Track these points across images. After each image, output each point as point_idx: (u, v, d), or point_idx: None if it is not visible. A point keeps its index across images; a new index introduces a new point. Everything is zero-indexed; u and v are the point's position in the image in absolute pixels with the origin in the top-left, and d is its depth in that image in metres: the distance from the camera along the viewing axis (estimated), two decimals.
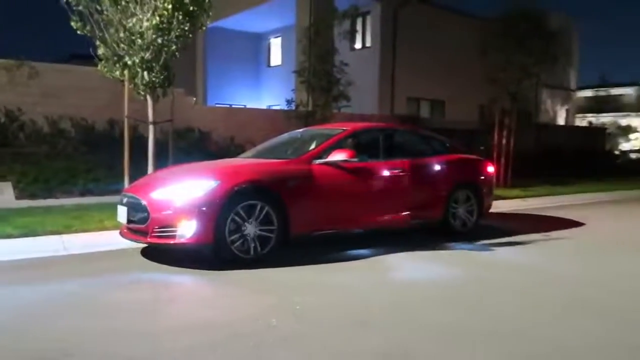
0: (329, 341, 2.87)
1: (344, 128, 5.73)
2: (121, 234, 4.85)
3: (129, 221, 4.67)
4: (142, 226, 4.47)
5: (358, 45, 18.01)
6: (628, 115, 33.98)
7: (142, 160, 6.99)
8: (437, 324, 3.17)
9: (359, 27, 17.76)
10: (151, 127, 6.83)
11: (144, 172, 6.66)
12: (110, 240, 5.21)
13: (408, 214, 5.51)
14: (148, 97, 6.74)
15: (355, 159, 5.09)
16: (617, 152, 24.95)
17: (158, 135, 7.03)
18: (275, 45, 21.56)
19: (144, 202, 4.49)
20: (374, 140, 5.73)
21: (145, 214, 4.43)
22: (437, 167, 5.96)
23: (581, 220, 7.58)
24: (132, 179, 6.61)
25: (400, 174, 5.51)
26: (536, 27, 11.83)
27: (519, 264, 4.90)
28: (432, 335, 2.99)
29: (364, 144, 5.71)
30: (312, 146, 5.49)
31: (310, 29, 11.28)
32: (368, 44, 17.80)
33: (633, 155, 24.40)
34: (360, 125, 6.18)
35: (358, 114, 14.01)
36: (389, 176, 5.45)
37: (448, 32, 18.11)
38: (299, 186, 4.82)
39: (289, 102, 11.69)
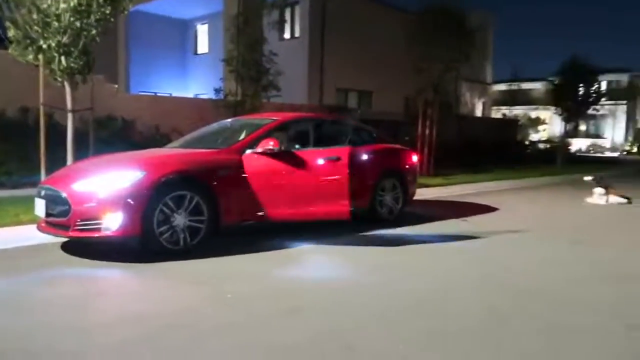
0: (263, 329, 2.92)
1: (274, 118, 5.75)
2: (39, 228, 4.59)
3: (48, 214, 4.44)
4: (63, 219, 4.26)
5: (287, 35, 17.99)
6: (537, 109, 36.58)
7: (59, 150, 6.62)
8: (365, 307, 3.32)
9: (287, 17, 17.75)
10: (70, 116, 6.47)
11: (62, 163, 6.30)
12: (28, 235, 4.91)
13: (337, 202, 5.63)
14: (66, 84, 6.38)
15: (286, 149, 5.14)
16: (527, 142, 26.83)
17: (77, 124, 6.67)
18: (202, 32, 21.01)
19: (64, 195, 4.28)
20: (304, 130, 5.80)
21: (67, 207, 4.23)
22: (365, 157, 6.14)
23: (496, 206, 8.13)
24: (49, 170, 6.25)
25: (330, 162, 5.61)
26: (455, 23, 12.43)
27: (439, 247, 5.21)
28: (362, 318, 3.13)
29: (294, 134, 5.77)
30: (242, 136, 5.47)
31: (239, 18, 11.11)
32: (297, 34, 17.83)
33: (541, 145, 26.34)
34: (290, 115, 6.23)
35: (288, 103, 14.04)
36: (319, 165, 5.54)
37: (376, 24, 18.54)
38: (229, 176, 4.79)
39: (217, 91, 11.48)
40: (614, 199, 8.78)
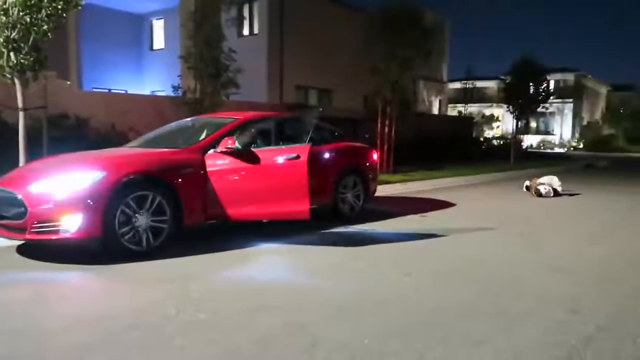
0: (229, 327, 2.95)
1: (236, 117, 5.74)
2: None
3: (1, 217, 4.29)
4: (19, 222, 4.13)
5: (246, 32, 17.86)
6: (491, 106, 37.82)
7: (9, 150, 6.37)
8: (329, 300, 3.41)
9: (246, 13, 17.62)
10: (21, 114, 6.22)
11: (12, 163, 6.06)
12: None
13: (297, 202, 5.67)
14: (16, 81, 6.14)
15: (247, 148, 5.14)
16: (482, 139, 27.68)
17: (28, 122, 6.43)
18: (158, 27, 20.55)
19: (19, 196, 4.15)
20: (265, 129, 5.83)
21: (22, 209, 4.10)
22: (327, 155, 6.22)
23: (453, 201, 8.40)
24: (1, 171, 6.01)
25: (290, 161, 5.64)
26: (412, 23, 12.69)
27: (399, 242, 5.36)
28: (326, 311, 3.21)
29: (256, 133, 5.78)
30: (203, 135, 5.43)
31: (196, 14, 10.95)
32: (256, 31, 17.73)
33: (495, 142, 27.25)
34: (251, 114, 6.22)
35: (247, 101, 13.95)
36: (279, 164, 5.56)
37: (335, 23, 18.66)
38: (191, 176, 4.76)
39: (175, 88, 11.28)
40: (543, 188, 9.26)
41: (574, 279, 4.09)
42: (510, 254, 4.98)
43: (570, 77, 39.31)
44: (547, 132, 39.57)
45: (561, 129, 39.51)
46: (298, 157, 5.11)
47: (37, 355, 2.54)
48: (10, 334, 2.78)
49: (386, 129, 12.99)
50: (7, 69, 6.00)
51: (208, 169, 4.89)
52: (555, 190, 9.32)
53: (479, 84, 38.75)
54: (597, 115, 45.68)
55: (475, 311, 3.27)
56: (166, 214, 4.50)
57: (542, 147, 35.75)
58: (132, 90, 19.10)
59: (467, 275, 4.11)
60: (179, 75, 11.81)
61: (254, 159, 5.23)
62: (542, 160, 20.51)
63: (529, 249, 5.18)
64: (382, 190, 8.84)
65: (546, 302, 3.46)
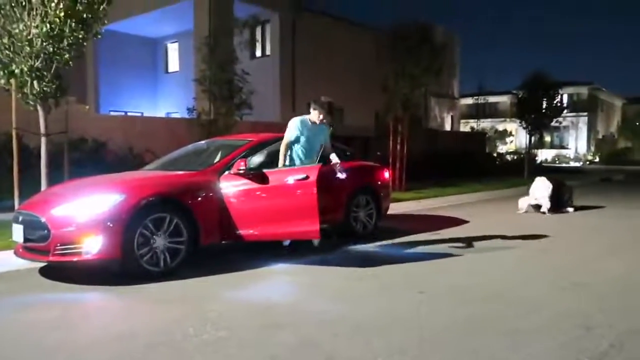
0: (246, 345, 3.03)
1: (250, 139, 5.88)
2: (16, 253, 4.59)
3: (27, 240, 4.44)
4: (43, 244, 4.28)
5: (258, 53, 18.21)
6: (504, 121, 37.70)
7: (30, 174, 6.57)
8: (343, 318, 3.47)
9: (258, 36, 18.00)
10: (44, 140, 6.44)
11: (33, 186, 6.27)
12: (4, 261, 4.89)
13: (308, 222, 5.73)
14: (39, 108, 6.37)
15: (260, 169, 5.26)
16: (495, 154, 27.58)
17: (48, 147, 6.64)
18: (173, 50, 21.03)
19: (43, 219, 4.30)
20: (279, 149, 5.92)
21: (46, 232, 4.26)
22: (339, 174, 6.30)
23: (466, 218, 8.41)
24: (22, 194, 6.21)
25: (299, 182, 5.73)
26: (423, 40, 12.85)
27: (413, 260, 5.39)
28: (343, 330, 3.27)
29: (271, 154, 5.89)
30: (218, 157, 5.57)
31: (210, 38, 11.25)
32: (268, 52, 18.07)
33: (509, 157, 27.13)
34: (265, 135, 6.34)
35: (261, 121, 14.18)
36: (290, 185, 5.64)
37: (345, 41, 18.95)
38: (207, 197, 4.89)
39: (190, 110, 11.54)
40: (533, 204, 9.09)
41: (589, 295, 4.10)
42: (525, 270, 4.99)
43: (583, 90, 39.12)
44: (562, 146, 39.28)
45: (576, 142, 39.20)
46: (307, 177, 5.14)
47: None
48: (41, 354, 2.89)
49: (398, 146, 13.06)
50: (31, 97, 6.23)
51: (223, 191, 5.01)
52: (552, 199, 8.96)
53: (491, 98, 38.75)
54: (613, 129, 45.27)
55: (488, 328, 3.30)
56: (183, 235, 4.62)
57: (557, 162, 35.46)
58: (148, 112, 19.52)
59: (480, 293, 4.14)
60: (193, 97, 12.09)
61: (265, 180, 5.31)
62: (558, 175, 20.33)
63: (543, 265, 5.18)
64: (394, 208, 8.89)
65: (560, 319, 3.47)
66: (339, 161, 5.56)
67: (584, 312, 3.64)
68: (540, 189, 9.09)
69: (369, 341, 3.08)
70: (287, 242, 5.63)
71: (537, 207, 9.10)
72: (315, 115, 5.58)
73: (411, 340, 3.09)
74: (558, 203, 9.15)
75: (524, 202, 9.31)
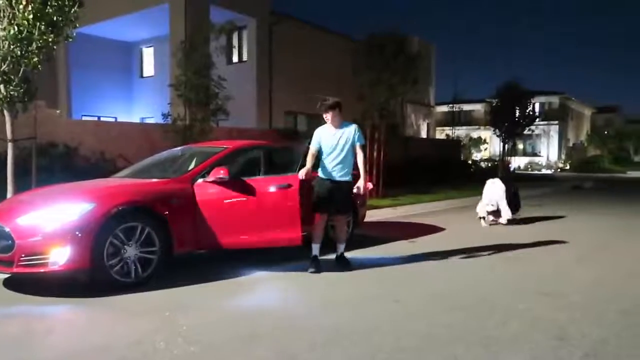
0: (219, 358, 2.94)
1: (225, 146, 5.78)
2: None
3: None
4: (6, 255, 4.11)
5: (235, 59, 18.09)
6: (479, 129, 38.30)
7: None
8: (320, 328, 3.41)
9: (235, 41, 17.88)
10: (10, 146, 6.24)
11: (0, 194, 6.06)
12: None
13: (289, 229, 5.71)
14: (6, 113, 6.17)
15: (236, 177, 5.18)
16: (470, 162, 27.97)
17: (16, 151, 6.43)
18: (148, 55, 20.72)
19: (7, 229, 4.14)
20: (255, 157, 5.86)
21: (10, 242, 4.09)
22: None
23: (442, 225, 8.46)
24: None
25: (281, 190, 5.69)
26: (399, 50, 12.95)
27: (389, 267, 5.38)
28: (320, 340, 3.21)
29: (246, 162, 5.83)
30: (193, 165, 5.47)
31: (186, 43, 11.11)
32: (245, 58, 17.96)
33: (483, 164, 27.54)
34: (240, 143, 6.27)
35: (237, 127, 14.05)
36: (271, 193, 5.61)
37: (322, 49, 18.97)
38: (180, 206, 4.77)
39: (165, 115, 11.35)
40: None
41: (561, 303, 4.13)
42: (499, 278, 5.02)
43: (555, 99, 40.07)
44: (534, 154, 40.11)
45: (548, 150, 40.07)
46: (290, 185, 5.17)
47: None
48: None
49: (375, 154, 13.10)
50: None
51: (198, 199, 4.91)
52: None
53: (466, 107, 39.31)
54: (583, 137, 46.47)
55: (463, 338, 3.29)
56: (155, 245, 4.50)
57: (529, 169, 36.17)
58: (122, 117, 19.16)
59: (455, 301, 4.14)
60: (169, 103, 11.90)
61: (244, 188, 5.25)
62: (530, 182, 20.71)
63: (516, 273, 5.23)
64: (371, 215, 8.89)
65: (534, 328, 3.49)
66: (362, 181, 5.26)
67: (557, 320, 3.66)
68: (496, 192, 8.55)
69: (346, 351, 3.03)
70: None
71: (496, 214, 8.60)
72: (327, 120, 5.33)
73: (388, 350, 3.05)
74: (514, 208, 8.68)
75: (482, 209, 8.70)
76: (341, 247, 5.48)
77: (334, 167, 5.21)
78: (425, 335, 3.33)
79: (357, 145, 5.23)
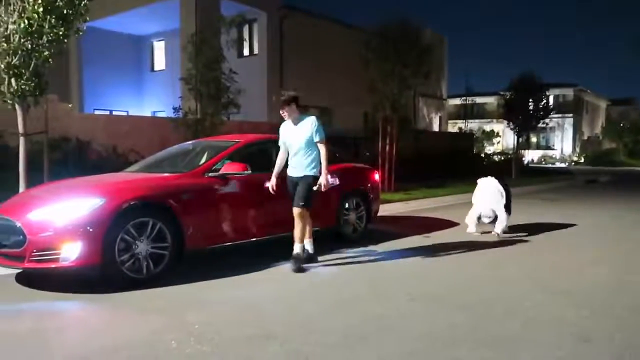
0: (231, 358, 2.87)
1: (237, 140, 5.72)
2: None
3: (1, 245, 4.23)
4: (17, 250, 4.07)
5: (246, 52, 18.00)
6: (491, 122, 37.91)
7: (8, 174, 6.34)
8: (332, 327, 3.33)
9: (246, 34, 17.78)
10: (22, 140, 6.22)
11: (11, 188, 6.05)
12: None
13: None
14: (17, 107, 6.14)
15: (249, 171, 5.11)
16: (483, 155, 27.68)
17: (29, 145, 6.41)
18: (159, 48, 20.71)
19: (18, 224, 4.10)
20: (267, 151, 5.79)
21: (21, 237, 4.05)
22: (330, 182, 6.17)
23: (456, 220, 8.33)
24: (1, 196, 5.98)
25: None
26: (411, 42, 12.76)
27: (403, 263, 5.28)
28: (331, 341, 3.13)
29: (257, 155, 5.75)
30: (204, 159, 5.41)
31: (197, 36, 11.03)
32: (256, 52, 17.87)
33: (496, 158, 27.23)
34: (252, 137, 6.19)
35: (248, 121, 14.00)
36: (283, 186, 5.54)
37: (334, 41, 18.82)
38: (192, 201, 4.71)
39: (176, 109, 11.31)
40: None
41: (578, 302, 4.01)
42: (515, 275, 4.90)
43: (569, 92, 39.47)
44: (548, 147, 39.61)
45: (562, 143, 39.56)
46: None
47: None
48: None
49: (387, 147, 12.96)
50: (8, 95, 6.01)
51: (209, 194, 4.85)
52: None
53: (479, 99, 38.94)
54: (597, 130, 45.79)
55: (480, 338, 3.18)
56: (167, 241, 4.45)
57: (543, 162, 35.74)
58: (134, 111, 19.19)
59: (471, 299, 4.04)
60: (180, 97, 11.87)
61: (255, 183, 5.21)
62: (544, 176, 20.44)
63: (533, 270, 5.10)
64: (384, 210, 8.77)
65: (554, 328, 3.38)
66: (324, 176, 4.91)
67: (577, 321, 3.55)
68: (492, 197, 6.68)
69: (359, 352, 2.94)
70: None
71: (492, 220, 6.73)
72: (284, 116, 5.11)
73: (403, 350, 2.96)
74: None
75: (472, 220, 6.98)
76: (297, 247, 4.98)
77: (295, 164, 5.00)
78: (440, 336, 3.23)
79: (316, 140, 4.92)
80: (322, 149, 4.93)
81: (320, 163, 4.96)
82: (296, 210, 4.87)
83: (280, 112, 5.10)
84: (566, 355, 2.94)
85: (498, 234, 6.69)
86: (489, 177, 6.98)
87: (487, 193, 6.77)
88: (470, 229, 7.07)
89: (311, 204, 4.92)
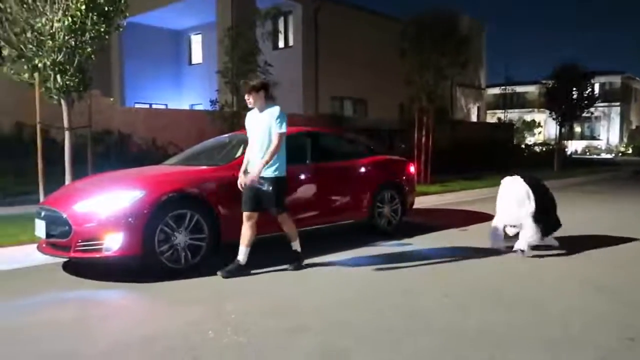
0: (266, 350, 2.92)
1: None
2: (40, 249, 4.59)
3: (49, 235, 4.43)
4: (64, 240, 4.26)
5: (281, 44, 18.07)
6: (532, 111, 36.79)
7: (56, 167, 6.60)
8: (369, 321, 3.33)
9: (281, 27, 17.84)
10: (67, 134, 6.46)
11: (58, 179, 6.30)
12: (28, 255, 4.89)
13: (337, 214, 5.67)
14: (62, 102, 6.38)
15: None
16: (523, 146, 26.92)
17: (73, 139, 6.66)
18: (196, 42, 21.05)
19: (64, 215, 4.28)
20: (302, 144, 5.81)
21: (67, 228, 4.23)
22: (363, 169, 6.16)
23: (493, 214, 8.12)
24: (47, 187, 6.24)
25: (328, 176, 5.64)
26: (449, 30, 12.50)
27: (440, 258, 5.20)
28: (366, 333, 3.13)
29: (292, 148, 5.76)
30: (240, 152, 5.47)
31: (233, 31, 11.14)
32: (290, 44, 17.92)
33: (537, 148, 26.45)
34: (288, 129, 6.21)
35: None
36: (318, 179, 5.56)
37: (369, 32, 18.65)
38: (228, 193, 4.77)
39: (212, 102, 11.49)
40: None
41: (626, 301, 3.87)
42: (557, 271, 4.76)
43: (616, 79, 37.82)
44: (593, 137, 38.14)
45: (608, 133, 38.01)
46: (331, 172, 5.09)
47: None
48: (51, 357, 2.84)
49: (423, 139, 12.78)
50: (54, 91, 6.25)
51: None
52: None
53: (519, 89, 37.79)
54: None
55: (521, 338, 3.12)
56: (204, 232, 4.55)
57: (587, 153, 34.46)
58: (172, 104, 19.61)
59: (510, 297, 3.95)
60: (216, 90, 12.04)
61: (289, 174, 5.22)
62: (588, 167, 19.72)
63: (575, 266, 4.94)
64: (420, 202, 8.68)
65: (598, 328, 3.27)
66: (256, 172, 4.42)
67: (624, 320, 3.42)
68: (516, 201, 5.34)
69: (396, 348, 2.94)
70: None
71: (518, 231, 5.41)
72: (249, 103, 4.59)
73: (441, 348, 2.93)
74: (547, 227, 5.38)
75: (495, 233, 5.60)
76: (294, 245, 4.79)
77: (255, 157, 4.52)
78: (478, 335, 3.18)
79: (274, 130, 4.43)
80: (275, 141, 4.41)
81: (284, 163, 4.56)
82: (277, 213, 4.59)
83: (245, 97, 4.57)
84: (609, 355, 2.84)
85: (522, 251, 5.20)
86: (515, 175, 5.62)
87: (511, 197, 5.43)
88: (494, 243, 5.54)
89: (284, 205, 4.63)
